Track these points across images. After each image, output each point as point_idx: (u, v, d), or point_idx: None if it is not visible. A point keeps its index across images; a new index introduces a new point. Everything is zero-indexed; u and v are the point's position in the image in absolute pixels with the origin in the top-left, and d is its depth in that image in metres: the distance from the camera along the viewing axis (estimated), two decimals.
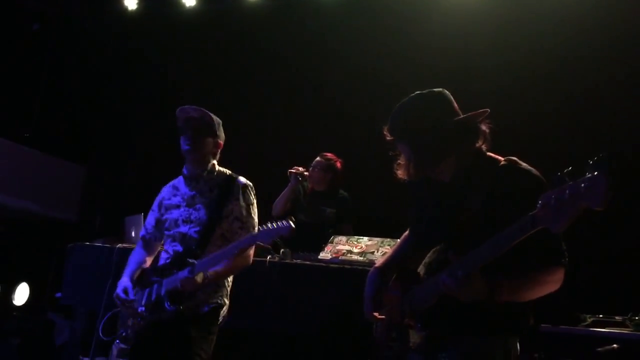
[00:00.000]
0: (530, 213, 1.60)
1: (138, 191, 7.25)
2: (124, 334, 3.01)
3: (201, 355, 2.86)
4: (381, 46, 6.07)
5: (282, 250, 4.11)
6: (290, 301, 3.84)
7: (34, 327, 7.04)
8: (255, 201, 3.07)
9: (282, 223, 2.68)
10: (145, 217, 5.21)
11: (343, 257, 4.00)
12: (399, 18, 6.06)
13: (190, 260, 2.79)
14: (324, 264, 3.97)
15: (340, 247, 4.10)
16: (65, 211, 7.75)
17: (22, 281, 7.59)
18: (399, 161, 2.18)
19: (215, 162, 3.12)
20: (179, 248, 2.98)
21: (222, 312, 3.02)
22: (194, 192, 3.06)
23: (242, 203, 2.99)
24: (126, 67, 7.63)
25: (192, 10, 7.10)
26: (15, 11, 7.90)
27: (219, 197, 2.97)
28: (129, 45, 7.64)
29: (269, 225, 2.71)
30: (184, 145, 3.01)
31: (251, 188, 3.09)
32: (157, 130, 7.30)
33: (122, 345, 4.49)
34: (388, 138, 2.15)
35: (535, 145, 4.80)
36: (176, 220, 3.03)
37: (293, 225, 2.69)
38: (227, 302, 3.06)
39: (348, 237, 4.20)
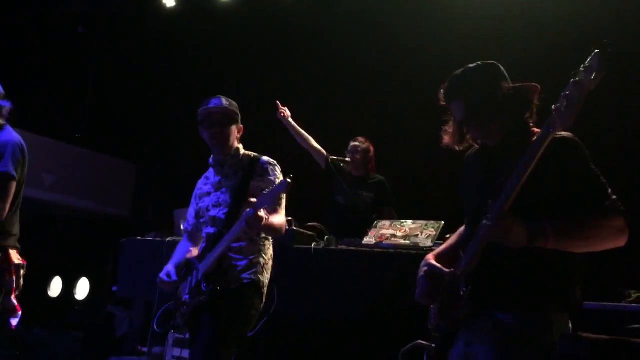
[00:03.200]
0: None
1: (187, 185, 7.43)
2: (176, 323, 3.11)
3: (233, 328, 2.92)
4: (420, 33, 6.01)
5: (326, 237, 4.15)
6: (336, 287, 3.88)
7: (95, 320, 7.33)
8: (280, 177, 3.11)
9: (280, 181, 2.78)
10: None
11: (387, 242, 4.00)
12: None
13: (250, 201, 2.80)
14: (368, 249, 3.99)
15: (384, 231, 4.10)
16: (119, 207, 8.00)
17: (83, 276, 7.90)
18: (446, 128, 2.24)
19: (239, 146, 3.21)
20: (211, 230, 3.09)
21: (263, 289, 3.04)
22: (219, 177, 3.17)
23: (266, 178, 3.06)
24: (169, 64, 7.78)
25: (229, 3, 7.16)
26: (61, 15, 8.16)
27: (244, 178, 3.07)
28: (170, 42, 7.78)
29: (265, 192, 2.78)
30: (210, 137, 3.13)
31: (274, 165, 3.15)
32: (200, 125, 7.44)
33: (178, 335, 4.64)
34: (441, 102, 2.22)
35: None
36: (207, 207, 3.15)
37: (289, 180, 2.75)
38: (263, 280, 3.06)
39: (391, 221, 4.20)
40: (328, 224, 4.48)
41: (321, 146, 4.97)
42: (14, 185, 3.20)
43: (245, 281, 2.99)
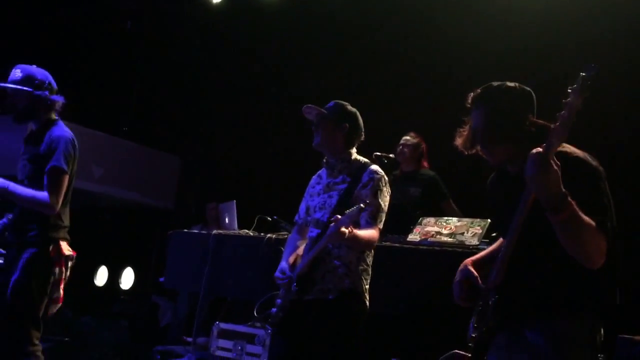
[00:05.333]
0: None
1: (230, 179, 7.54)
2: (272, 312, 3.16)
3: (346, 344, 2.96)
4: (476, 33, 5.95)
5: None
6: (380, 283, 3.85)
7: (140, 309, 7.50)
8: (385, 189, 3.10)
9: (357, 207, 2.77)
10: (237, 205, 5.45)
11: (432, 239, 3.99)
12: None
13: (333, 218, 2.84)
14: (413, 246, 3.98)
15: (429, 228, 4.08)
16: (163, 199, 8.16)
17: (128, 266, 8.09)
18: (461, 130, 2.30)
19: (352, 150, 3.19)
20: (314, 234, 3.11)
21: (362, 297, 3.05)
22: (329, 180, 3.19)
23: (370, 188, 3.04)
24: (214, 59, 7.87)
25: None
26: (111, 12, 8.34)
27: (350, 184, 3.07)
28: (216, 37, 7.87)
29: (349, 210, 2.79)
30: (314, 140, 3.15)
31: (380, 176, 3.11)
32: (245, 119, 7.53)
33: (223, 326, 4.72)
34: (467, 104, 2.25)
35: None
36: (314, 207, 3.19)
37: (364, 206, 2.76)
38: (363, 286, 3.07)
39: (437, 218, 4.17)
40: None
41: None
42: (66, 179, 3.28)
43: (344, 288, 2.99)
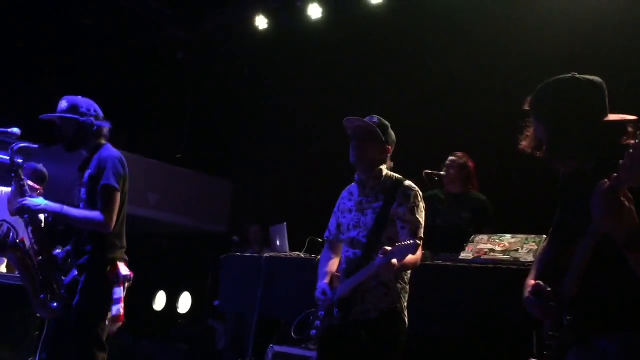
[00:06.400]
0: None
1: (281, 201, 7.61)
2: (311, 333, 3.15)
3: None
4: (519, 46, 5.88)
5: (422, 252, 4.08)
6: (433, 303, 3.81)
7: (197, 333, 7.60)
8: (421, 204, 3.05)
9: (409, 242, 2.70)
10: (288, 227, 5.47)
11: (486, 257, 3.89)
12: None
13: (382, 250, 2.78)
14: (466, 264, 3.90)
15: (481, 246, 3.99)
16: (217, 223, 8.29)
17: (185, 290, 8.24)
18: (526, 132, 2.12)
19: (383, 167, 3.14)
20: (350, 254, 3.07)
21: (402, 315, 3.02)
22: (362, 198, 3.13)
23: (407, 206, 3.00)
24: (263, 85, 8.02)
25: (319, 22, 7.29)
26: (162, 42, 8.63)
27: (385, 202, 3.02)
28: (264, 64, 8.02)
29: (400, 244, 2.73)
30: (351, 156, 3.10)
31: (416, 192, 3.07)
32: (293, 142, 7.60)
33: (278, 349, 4.73)
34: (526, 108, 2.08)
35: None
36: (348, 225, 3.14)
37: (419, 242, 2.72)
38: (402, 304, 3.03)
39: (490, 235, 4.07)
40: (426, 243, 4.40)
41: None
42: (118, 196, 3.32)
43: (385, 310, 2.97)
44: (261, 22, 7.75)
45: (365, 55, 7.07)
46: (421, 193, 3.10)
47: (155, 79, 8.49)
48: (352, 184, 3.26)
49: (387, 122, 3.15)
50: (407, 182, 3.08)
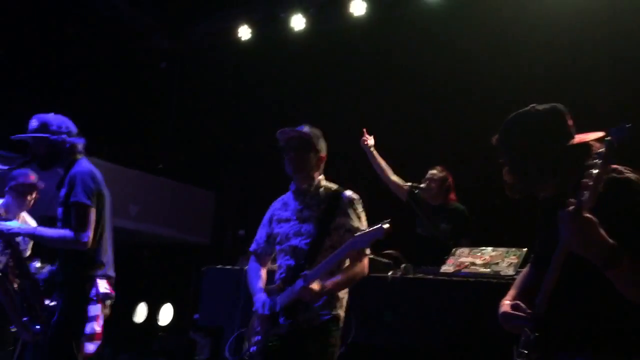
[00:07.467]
0: None
1: (263, 213, 7.56)
2: (251, 350, 3.12)
3: None
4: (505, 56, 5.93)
5: (403, 265, 4.08)
6: (413, 316, 3.80)
7: (178, 346, 7.51)
8: (362, 212, 3.11)
9: (377, 227, 2.75)
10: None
11: (466, 270, 3.89)
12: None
13: (302, 273, 2.88)
14: (447, 277, 3.89)
15: (462, 259, 3.99)
16: (199, 235, 8.22)
17: (166, 302, 8.14)
18: (504, 177, 2.14)
19: (321, 176, 3.19)
20: (291, 262, 3.07)
21: (340, 323, 3.05)
22: (302, 206, 3.14)
23: (351, 215, 3.05)
24: (246, 96, 8.01)
25: (302, 32, 7.29)
26: (145, 52, 8.59)
27: (327, 211, 3.05)
28: (248, 73, 8.02)
29: (366, 230, 2.80)
30: (287, 166, 3.14)
31: (358, 200, 3.13)
32: (278, 153, 7.57)
33: None
34: (494, 143, 2.14)
35: None
36: (287, 234, 3.12)
37: (386, 227, 2.74)
38: (342, 314, 3.07)
39: (471, 248, 4.08)
40: (410, 254, 4.42)
41: (400, 174, 4.92)
42: (91, 212, 3.25)
43: (326, 317, 2.99)
44: (244, 33, 7.74)
45: (348, 66, 7.09)
46: (360, 200, 3.15)
47: (138, 88, 8.43)
48: (286, 194, 3.27)
49: (319, 131, 3.19)
50: (347, 192, 3.13)
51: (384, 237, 2.75)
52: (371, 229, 2.78)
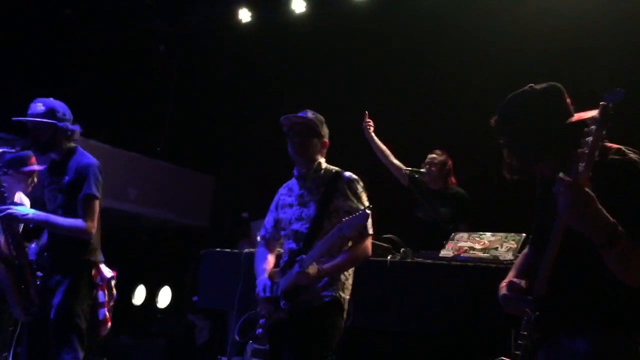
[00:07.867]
0: None
1: (263, 197, 7.56)
2: (257, 332, 3.15)
3: (320, 348, 2.94)
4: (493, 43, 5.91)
5: (402, 249, 4.09)
6: (413, 300, 3.81)
7: (176, 328, 7.56)
8: (363, 192, 3.11)
9: (360, 212, 2.77)
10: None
11: (465, 254, 3.91)
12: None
13: (298, 258, 2.90)
14: (445, 262, 3.90)
15: (461, 243, 4.00)
16: (198, 218, 8.23)
17: (165, 285, 8.18)
18: (504, 159, 2.12)
19: (322, 160, 3.21)
20: (293, 246, 3.09)
21: (344, 306, 3.05)
22: (303, 191, 3.17)
23: (350, 197, 3.05)
24: (246, 79, 7.96)
25: (302, 15, 7.25)
26: (144, 35, 8.53)
27: (326, 193, 3.06)
28: (247, 56, 7.97)
29: (349, 216, 2.80)
30: (291, 150, 3.15)
31: (357, 180, 3.13)
32: (277, 136, 7.56)
33: (256, 346, 4.70)
34: (493, 125, 2.12)
35: None
36: (290, 219, 3.15)
37: (369, 212, 2.76)
38: (344, 296, 3.07)
39: (469, 233, 4.09)
40: (410, 238, 4.43)
41: (400, 159, 4.93)
42: (98, 204, 3.40)
43: (326, 299, 2.99)
44: (244, 15, 7.70)
45: (348, 50, 7.05)
46: (360, 180, 3.15)
47: (137, 71, 8.39)
48: (290, 180, 3.29)
49: (322, 117, 3.20)
50: (347, 173, 3.14)
51: (365, 221, 2.78)
52: (355, 215, 2.79)
